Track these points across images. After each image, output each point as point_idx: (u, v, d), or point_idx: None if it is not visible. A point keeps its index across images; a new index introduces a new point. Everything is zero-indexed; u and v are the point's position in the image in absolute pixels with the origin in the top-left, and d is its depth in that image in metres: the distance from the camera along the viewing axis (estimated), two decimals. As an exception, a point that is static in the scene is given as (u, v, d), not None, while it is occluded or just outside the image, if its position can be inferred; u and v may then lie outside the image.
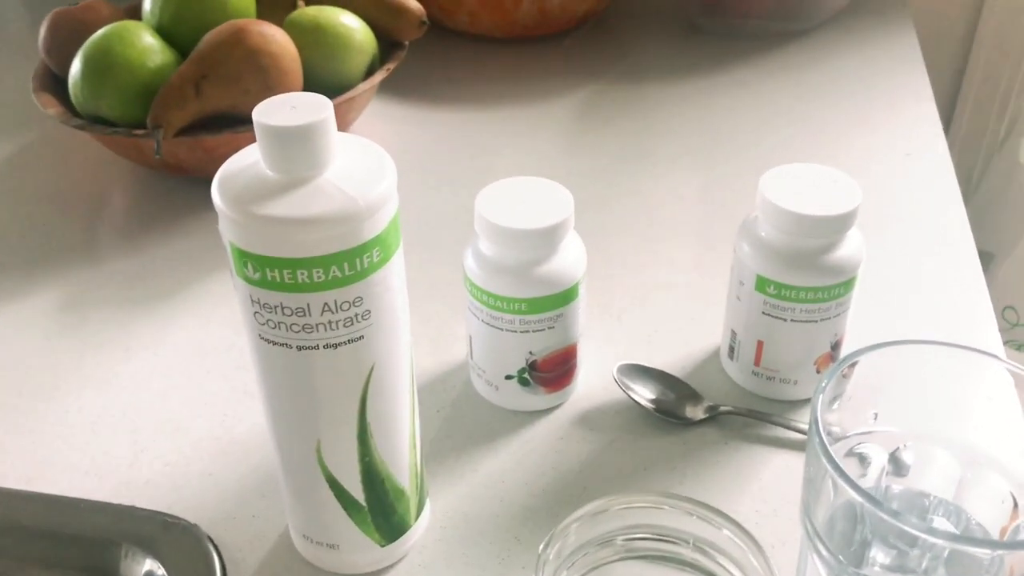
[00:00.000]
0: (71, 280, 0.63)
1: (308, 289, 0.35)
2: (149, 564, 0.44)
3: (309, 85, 0.67)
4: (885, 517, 0.31)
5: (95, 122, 0.65)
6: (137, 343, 0.58)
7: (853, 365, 0.36)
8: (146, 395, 0.54)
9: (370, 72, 0.71)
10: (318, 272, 0.34)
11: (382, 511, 0.42)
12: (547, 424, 0.52)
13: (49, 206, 0.71)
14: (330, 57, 0.68)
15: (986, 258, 0.62)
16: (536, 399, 0.52)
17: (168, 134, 0.62)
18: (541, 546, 0.28)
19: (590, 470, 0.49)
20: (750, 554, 0.29)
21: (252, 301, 0.36)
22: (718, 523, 0.30)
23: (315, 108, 0.34)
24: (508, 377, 0.51)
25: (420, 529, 0.45)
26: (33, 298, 0.62)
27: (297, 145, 0.34)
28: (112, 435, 0.52)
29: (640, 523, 0.30)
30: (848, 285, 0.48)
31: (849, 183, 0.48)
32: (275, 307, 0.35)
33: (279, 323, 0.36)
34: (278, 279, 0.34)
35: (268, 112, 0.34)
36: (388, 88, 0.83)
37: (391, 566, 0.44)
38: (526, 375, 0.50)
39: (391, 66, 0.71)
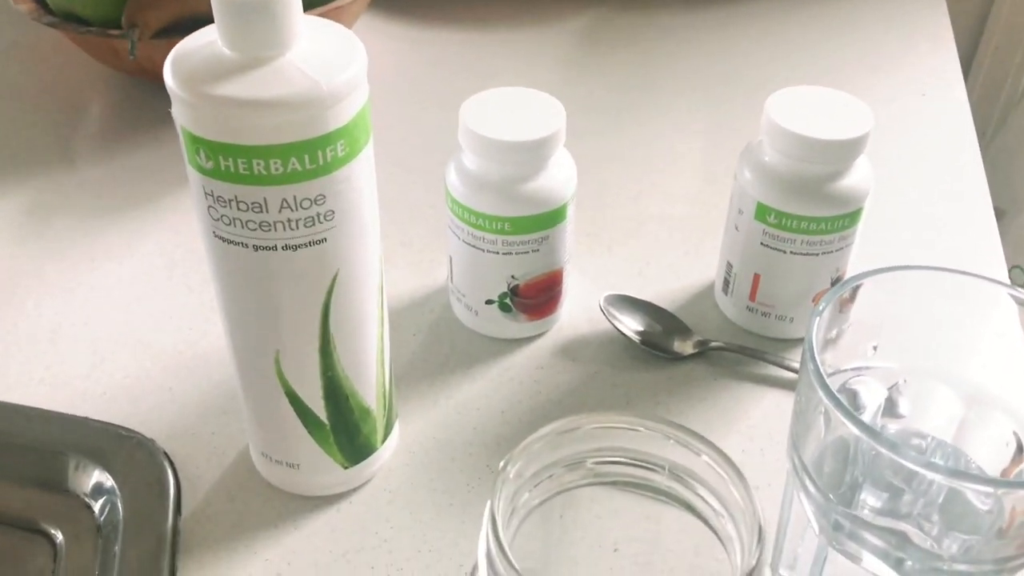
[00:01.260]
0: (38, 185, 0.60)
1: (265, 182, 0.32)
2: (99, 476, 0.42)
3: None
4: (881, 449, 0.29)
5: (69, 20, 0.62)
6: (103, 253, 0.55)
7: (855, 289, 0.33)
8: (109, 306, 0.52)
9: (362, -18, 0.67)
10: (276, 163, 0.31)
11: (345, 430, 0.40)
12: (527, 353, 0.49)
13: (19, 108, 0.68)
14: (319, -38, 0.64)
15: (996, 214, 0.59)
16: (517, 326, 0.49)
17: (144, 35, 0.59)
18: (501, 463, 0.25)
19: (569, 401, 0.46)
20: (730, 484, 0.27)
21: (205, 194, 0.33)
22: (697, 448, 0.27)
23: (278, -20, 0.31)
24: (488, 302, 0.48)
25: (387, 452, 0.43)
26: (-3, 202, 0.59)
27: (256, 19, 0.31)
28: (71, 345, 0.49)
29: (612, 446, 0.28)
30: (853, 217, 0.45)
31: (860, 107, 0.45)
32: (229, 201, 0.32)
33: (234, 219, 0.33)
34: (232, 169, 0.32)
35: (226, -17, 0.31)
36: (381, 2, 0.79)
37: (354, 489, 0.42)
38: (507, 300, 0.48)
39: (384, -23, 0.67)
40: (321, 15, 0.61)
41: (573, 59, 0.74)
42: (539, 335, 0.50)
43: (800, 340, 0.49)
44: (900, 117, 0.66)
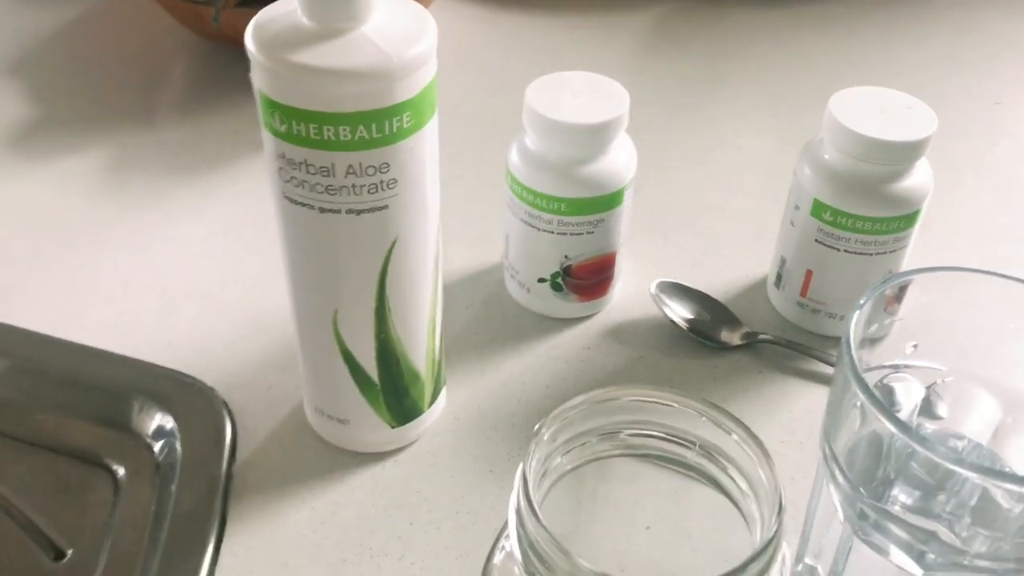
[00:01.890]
0: (120, 143, 0.63)
1: (334, 147, 0.33)
2: (161, 418, 0.44)
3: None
4: (915, 445, 0.29)
5: (158, -14, 0.64)
6: (177, 209, 0.58)
7: (902, 288, 0.33)
8: (179, 260, 0.54)
9: (440, -38, 0.69)
10: (344, 130, 0.33)
11: (395, 391, 0.41)
12: (576, 333, 0.50)
13: (106, 70, 0.71)
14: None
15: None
16: (567, 306, 0.50)
17: (228, 3, 0.61)
18: (536, 426, 0.27)
19: (613, 382, 0.47)
20: (758, 464, 0.27)
21: (277, 156, 0.35)
22: (728, 427, 0.28)
23: (358, -45, 0.33)
24: (541, 280, 0.49)
25: (433, 416, 0.44)
26: (81, 156, 0.62)
27: (336, -7, 0.32)
28: (141, 295, 0.52)
29: (646, 419, 0.29)
30: (910, 219, 0.46)
31: (924, 110, 0.45)
32: (300, 164, 0.34)
33: (303, 182, 0.35)
34: (304, 134, 0.33)
35: (308, -44, 0.33)
36: (460, -14, 0.80)
37: (400, 449, 0.44)
38: (559, 280, 0.49)
39: (462, -42, 0.68)
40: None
41: (642, 48, 0.74)
42: (589, 316, 0.51)
43: (848, 339, 0.50)
44: (972, 124, 0.66)
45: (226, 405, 0.45)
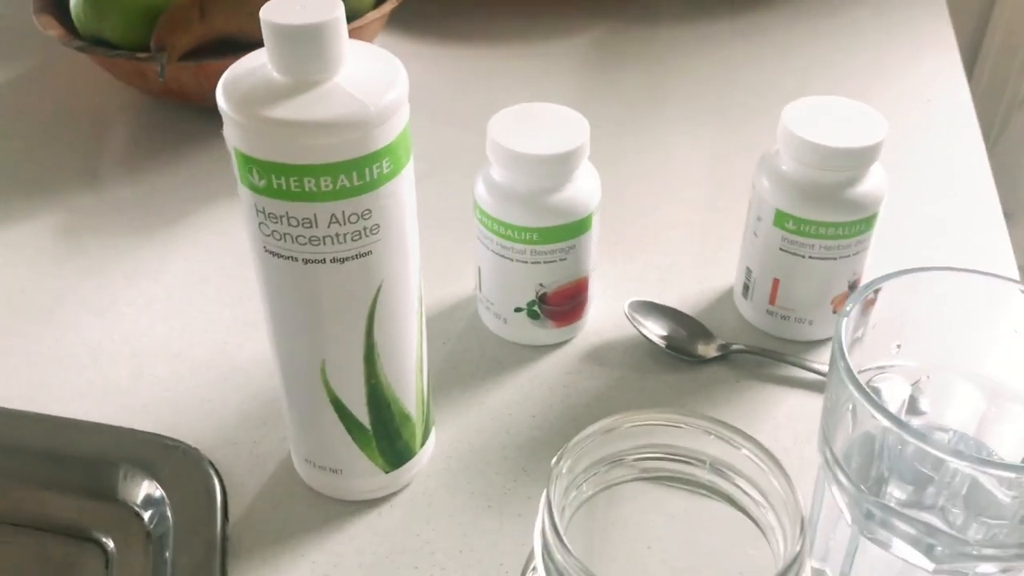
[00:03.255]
0: (71, 206, 0.62)
1: (315, 199, 0.33)
2: (148, 486, 0.43)
3: (317, 12, 0.65)
4: (910, 439, 0.30)
5: (97, 44, 0.63)
6: (137, 270, 0.57)
7: (878, 291, 0.35)
8: (145, 322, 0.53)
9: (380, 1, 0.69)
10: (326, 181, 0.33)
11: (387, 436, 0.41)
12: (556, 359, 0.50)
13: (49, 131, 0.69)
14: (339, -16, 0.66)
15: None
16: (545, 333, 0.50)
17: (171, 58, 0.61)
18: (554, 460, 0.27)
19: (598, 404, 0.48)
20: (771, 475, 0.28)
21: (257, 211, 0.34)
22: (737, 443, 0.28)
23: (325, 7, 0.33)
24: (517, 310, 0.49)
25: (425, 457, 0.44)
26: (32, 223, 0.60)
27: (306, 45, 0.32)
28: (110, 360, 0.51)
29: (655, 442, 0.29)
30: (869, 222, 0.47)
31: (874, 116, 0.47)
32: (281, 217, 0.34)
33: (285, 235, 0.34)
34: (284, 187, 0.33)
35: (277, 11, 0.33)
36: (395, 21, 0.81)
37: (394, 493, 0.43)
38: (536, 308, 0.49)
39: (401, -4, 0.69)
40: (342, 35, 0.63)
41: (585, 72, 0.76)
42: (566, 341, 0.51)
43: (819, 342, 0.51)
44: (907, 123, 0.68)
45: (212, 465, 0.44)
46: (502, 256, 0.48)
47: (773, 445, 0.45)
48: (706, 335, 0.51)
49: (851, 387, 0.32)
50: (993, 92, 1.07)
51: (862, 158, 0.45)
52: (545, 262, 0.48)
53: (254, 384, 0.49)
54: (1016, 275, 0.56)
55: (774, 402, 0.48)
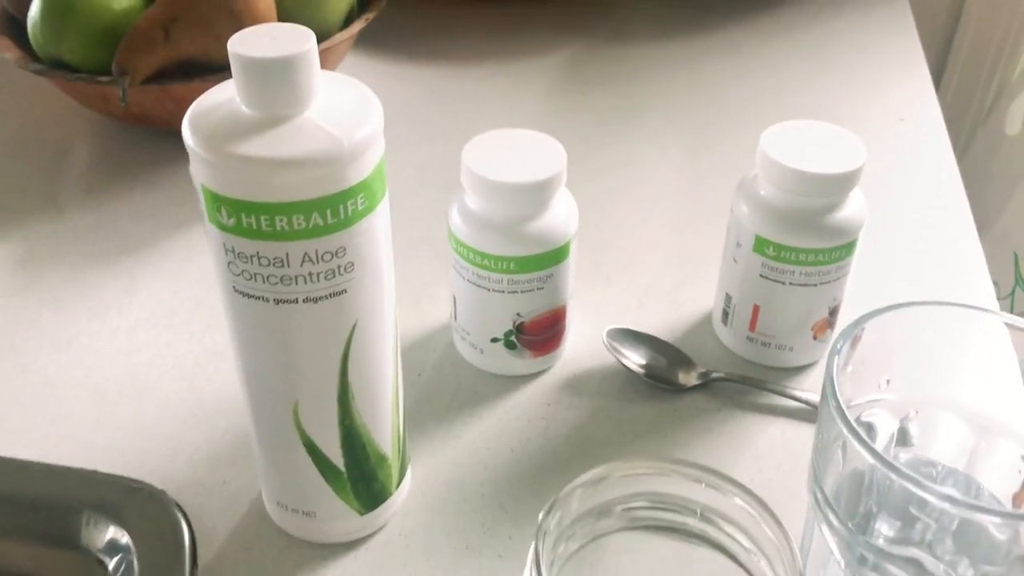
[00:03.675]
0: (29, 236, 0.60)
1: (287, 237, 0.32)
2: (113, 531, 0.41)
3: (284, 33, 0.64)
4: (894, 477, 0.29)
5: (56, 67, 0.62)
6: (99, 301, 0.55)
7: (865, 327, 0.34)
8: (109, 355, 0.51)
9: (348, 22, 0.68)
10: (298, 219, 0.32)
11: (362, 477, 0.40)
12: (534, 389, 0.49)
13: (7, 157, 0.67)
14: (307, 3, 0.64)
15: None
16: (523, 363, 0.49)
17: (134, 82, 0.59)
18: (541, 514, 0.26)
19: (578, 436, 0.47)
20: (763, 524, 0.27)
21: (226, 250, 0.33)
22: (728, 491, 0.28)
23: (296, 39, 0.31)
24: (494, 340, 0.48)
25: (401, 497, 0.43)
26: (-11, 252, 0.58)
27: (277, 79, 0.31)
28: (72, 397, 0.49)
29: (643, 491, 0.28)
30: (850, 248, 0.46)
31: (852, 141, 0.46)
32: (251, 257, 0.33)
33: (255, 274, 0.33)
34: (255, 226, 0.32)
35: (246, 43, 0.31)
36: (364, 41, 0.79)
37: (370, 535, 0.42)
38: (513, 338, 0.48)
39: (370, 16, 0.68)
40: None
41: (559, 91, 0.75)
42: (544, 371, 0.50)
43: (800, 368, 0.50)
44: (881, 143, 0.68)
45: (180, 508, 0.43)
46: (478, 286, 0.47)
47: (756, 477, 0.45)
48: (686, 363, 0.50)
49: (841, 425, 0.31)
50: (959, 107, 1.07)
51: (842, 184, 0.45)
52: (522, 291, 0.46)
53: (224, 420, 0.48)
54: (992, 295, 0.56)
55: (756, 431, 0.47)
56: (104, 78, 0.60)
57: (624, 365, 0.49)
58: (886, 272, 0.57)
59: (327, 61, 0.66)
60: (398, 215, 0.62)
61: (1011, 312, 1.04)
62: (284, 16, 0.63)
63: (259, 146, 0.31)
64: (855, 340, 0.34)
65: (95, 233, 0.60)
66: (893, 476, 0.30)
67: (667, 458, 0.28)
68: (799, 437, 0.47)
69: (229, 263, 0.33)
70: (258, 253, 0.32)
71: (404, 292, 0.55)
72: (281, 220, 0.32)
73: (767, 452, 0.46)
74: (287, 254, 0.32)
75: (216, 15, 0.59)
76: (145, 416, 0.48)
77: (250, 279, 0.33)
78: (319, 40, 0.64)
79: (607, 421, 0.48)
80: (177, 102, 0.61)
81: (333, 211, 0.32)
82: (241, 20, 0.59)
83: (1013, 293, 1.01)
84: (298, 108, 0.32)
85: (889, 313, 0.34)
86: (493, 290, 0.46)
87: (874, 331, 0.34)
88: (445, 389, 0.49)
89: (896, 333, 0.34)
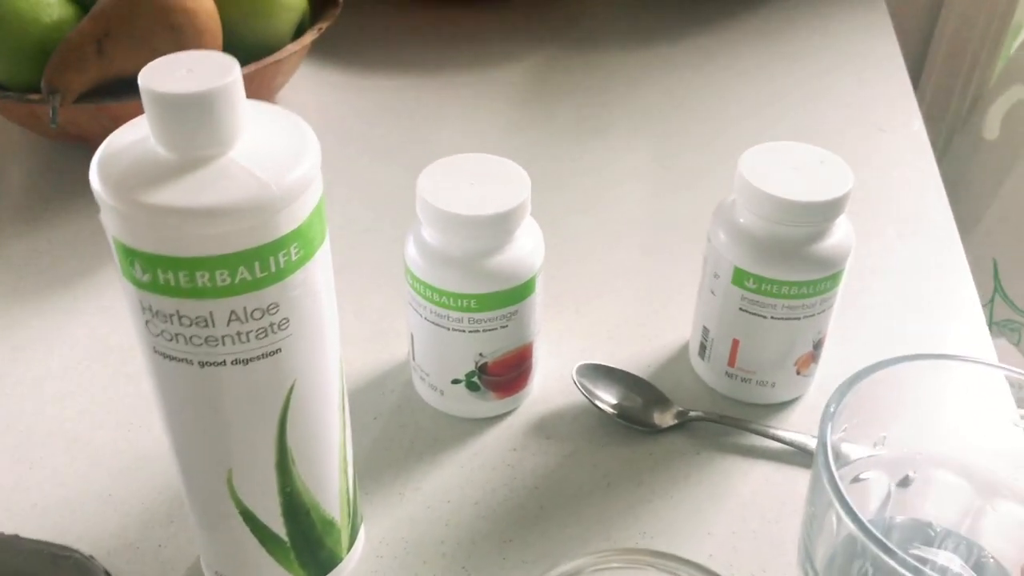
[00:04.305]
0: (-45, 266, 0.55)
1: (210, 295, 0.28)
2: (32, 609, 0.37)
3: (229, 47, 0.60)
4: (884, 557, 0.26)
5: (-18, 85, 0.57)
6: (28, 340, 0.51)
7: (858, 387, 0.31)
8: (36, 402, 0.47)
9: (299, 32, 0.64)
10: (222, 274, 0.28)
11: (308, 546, 0.36)
12: (499, 433, 0.46)
13: (-67, 180, 0.63)
14: (254, 14, 0.60)
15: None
16: (486, 405, 0.46)
17: (67, 100, 0.55)
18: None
19: (547, 486, 0.43)
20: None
21: (143, 308, 0.29)
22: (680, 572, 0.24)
23: (217, 70, 0.28)
24: (455, 381, 0.45)
25: (353, 561, 0.39)
26: (-91, 287, 0.54)
27: (195, 117, 0.27)
28: (-4, 449, 0.45)
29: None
30: (835, 279, 0.43)
31: (838, 164, 0.43)
32: (171, 316, 0.29)
33: (176, 335, 0.29)
34: (173, 283, 0.28)
35: (158, 75, 0.27)
36: (320, 51, 0.75)
37: (319, 606, 0.38)
38: (475, 379, 0.44)
39: (323, 25, 0.64)
40: (259, 69, 0.58)
41: (523, 103, 0.71)
42: (510, 412, 0.47)
43: (783, 405, 0.47)
44: (860, 156, 0.65)
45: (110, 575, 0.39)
46: (437, 324, 0.43)
47: (739, 527, 0.42)
48: (662, 401, 0.47)
49: (831, 494, 0.28)
50: (938, 110, 1.05)
51: (828, 212, 0.42)
52: (485, 330, 0.43)
53: (161, 474, 0.44)
54: (983, 320, 0.53)
55: (738, 476, 0.44)
56: (34, 96, 0.56)
57: (596, 405, 0.46)
58: (871, 298, 0.54)
59: (277, 74, 0.62)
60: (353, 242, 0.58)
61: (990, 320, 1.02)
62: (229, 29, 0.59)
63: (176, 194, 0.27)
64: (848, 399, 0.30)
65: (24, 264, 0.56)
66: (885, 557, 0.27)
67: (642, 550, 0.24)
68: (784, 481, 0.44)
69: (147, 322, 0.29)
70: (178, 312, 0.29)
71: (359, 328, 0.51)
72: (202, 276, 0.28)
73: (750, 499, 0.43)
74: (211, 313, 0.29)
75: (154, 29, 0.54)
76: (75, 470, 0.44)
77: (171, 340, 0.29)
78: (268, 52, 0.60)
79: (578, 468, 0.44)
80: (115, 120, 0.56)
81: (262, 264, 0.28)
82: (181, 35, 0.55)
83: (992, 301, 0.99)
84: (220, 148, 0.28)
85: (883, 371, 0.30)
86: (453, 329, 0.43)
87: (868, 388, 0.31)
88: (403, 434, 0.46)
89: (891, 389, 0.31)
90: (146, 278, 0.28)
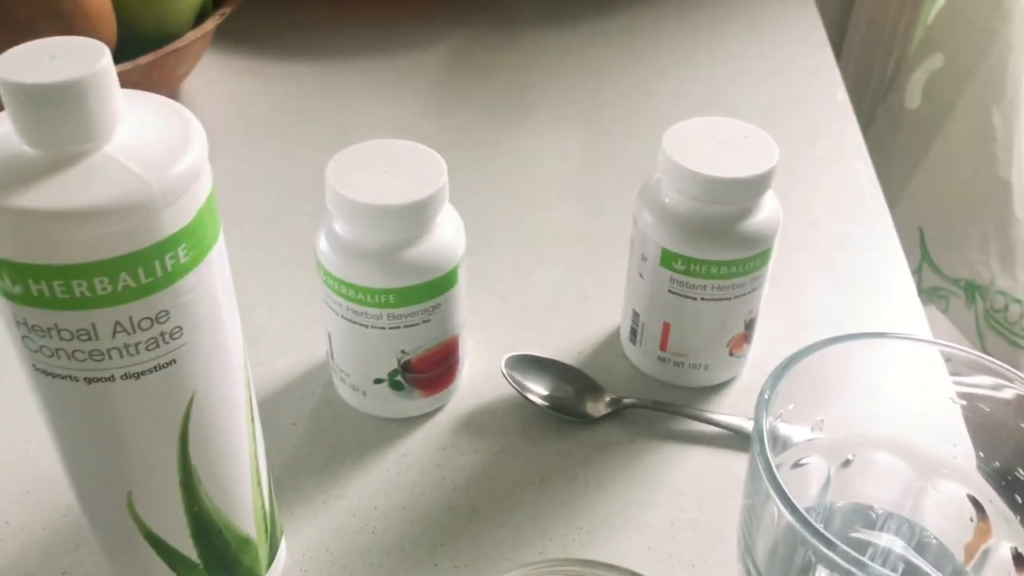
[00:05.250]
0: None
1: (91, 305, 0.26)
2: (-81, 654, 0.34)
3: (125, 35, 0.56)
4: (824, 550, 0.25)
5: None
6: (-85, 357, 0.47)
7: (793, 369, 0.29)
8: (-75, 424, 0.44)
9: (201, 18, 0.60)
10: (102, 282, 0.25)
11: (223, 567, 0.34)
12: (426, 432, 0.44)
13: None
14: (151, 0, 0.57)
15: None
16: (412, 404, 0.44)
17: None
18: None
19: (479, 486, 0.42)
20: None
21: (17, 323, 0.26)
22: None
23: (85, 55, 0.25)
24: (377, 381, 0.43)
25: (274, 579, 0.37)
26: None
27: (61, 109, 0.24)
28: None
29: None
30: (765, 256, 0.42)
31: (762, 138, 0.42)
32: (49, 330, 0.26)
33: (57, 350, 0.27)
34: (47, 294, 0.25)
35: (16, 64, 0.25)
36: (227, 37, 0.72)
37: (239, 629, 0.36)
38: (399, 378, 0.42)
39: (226, 10, 0.60)
40: (159, 58, 0.54)
41: (440, 86, 0.69)
42: (437, 410, 0.45)
43: (717, 387, 0.46)
44: (786, 128, 0.64)
45: (8, 611, 0.36)
46: (354, 323, 0.41)
47: (677, 516, 0.40)
48: (594, 390, 0.45)
49: (768, 484, 0.26)
50: (860, 81, 1.05)
51: (754, 188, 0.40)
52: (406, 326, 0.41)
53: (65, 495, 0.41)
54: (914, 291, 0.52)
55: (675, 463, 0.43)
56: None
57: (526, 397, 0.44)
58: (802, 274, 0.53)
59: (179, 63, 0.59)
60: (264, 236, 0.56)
61: (919, 288, 1.03)
62: (123, 15, 0.56)
63: (44, 194, 0.24)
64: (784, 383, 0.29)
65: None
66: (824, 550, 0.26)
67: (577, 560, 0.23)
68: (721, 466, 0.42)
69: (24, 337, 0.27)
70: (57, 325, 0.26)
71: (274, 327, 0.49)
72: (80, 285, 0.25)
73: (688, 487, 0.42)
74: (93, 325, 0.26)
75: (38, 16, 0.51)
76: (-31, 496, 0.41)
77: (51, 355, 0.27)
78: (168, 40, 0.57)
79: (510, 465, 0.42)
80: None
81: (147, 269, 0.26)
82: (70, 22, 0.51)
83: (920, 269, 1.00)
84: (94, 142, 0.25)
85: (816, 353, 0.29)
86: (372, 327, 0.41)
87: (802, 371, 0.29)
88: (325, 439, 0.43)
89: (826, 371, 0.30)
90: (17, 290, 0.25)
